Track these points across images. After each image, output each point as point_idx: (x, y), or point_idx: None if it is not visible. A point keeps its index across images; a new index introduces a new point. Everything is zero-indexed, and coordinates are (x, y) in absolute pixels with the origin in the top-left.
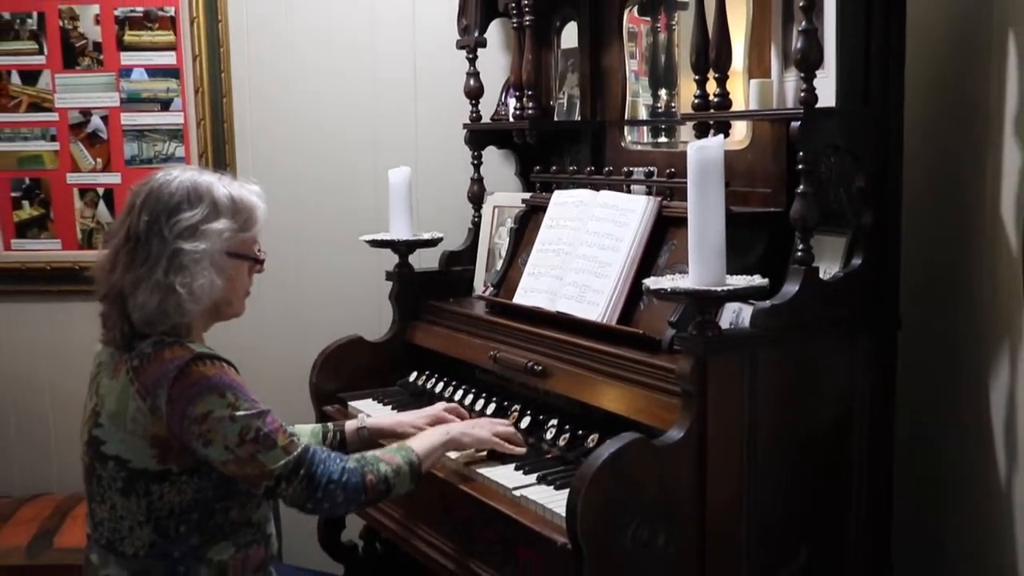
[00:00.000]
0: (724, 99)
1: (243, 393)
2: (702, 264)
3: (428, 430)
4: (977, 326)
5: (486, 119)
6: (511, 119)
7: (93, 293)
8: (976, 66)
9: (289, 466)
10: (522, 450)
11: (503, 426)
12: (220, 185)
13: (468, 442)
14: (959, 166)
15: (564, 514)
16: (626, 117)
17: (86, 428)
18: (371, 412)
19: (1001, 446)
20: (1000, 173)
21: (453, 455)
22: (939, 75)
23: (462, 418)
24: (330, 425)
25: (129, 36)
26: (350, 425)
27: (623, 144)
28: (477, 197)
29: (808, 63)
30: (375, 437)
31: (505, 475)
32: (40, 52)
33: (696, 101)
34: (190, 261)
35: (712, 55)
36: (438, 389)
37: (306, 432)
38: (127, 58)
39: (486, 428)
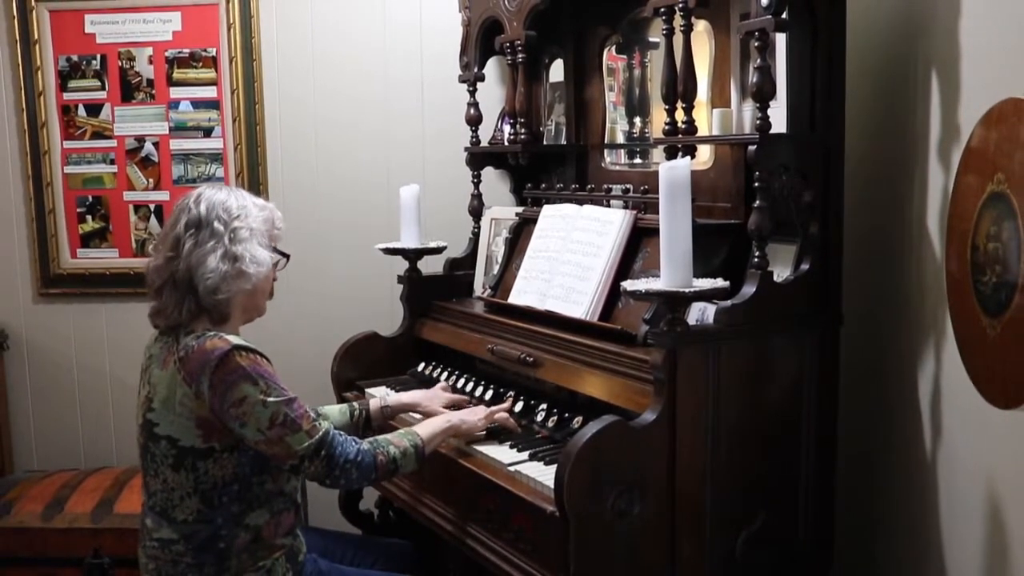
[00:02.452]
0: (690, 126)
1: (274, 382)
2: (672, 269)
3: (432, 418)
4: (908, 322)
5: (484, 143)
6: (506, 143)
7: (147, 294)
8: (905, 98)
9: (311, 447)
10: (516, 428)
11: (499, 412)
12: (250, 196)
13: (465, 429)
14: (892, 184)
15: (552, 486)
16: (606, 141)
17: (140, 412)
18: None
19: (928, 425)
20: (926, 190)
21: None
22: (874, 106)
23: (459, 404)
24: (356, 404)
25: (177, 73)
26: (374, 403)
27: (603, 165)
28: (476, 211)
29: (762, 95)
30: (396, 412)
31: (501, 452)
32: (102, 88)
33: (666, 127)
34: (247, 235)
35: (680, 88)
36: (443, 378)
37: (335, 412)
38: (175, 92)
39: (481, 415)
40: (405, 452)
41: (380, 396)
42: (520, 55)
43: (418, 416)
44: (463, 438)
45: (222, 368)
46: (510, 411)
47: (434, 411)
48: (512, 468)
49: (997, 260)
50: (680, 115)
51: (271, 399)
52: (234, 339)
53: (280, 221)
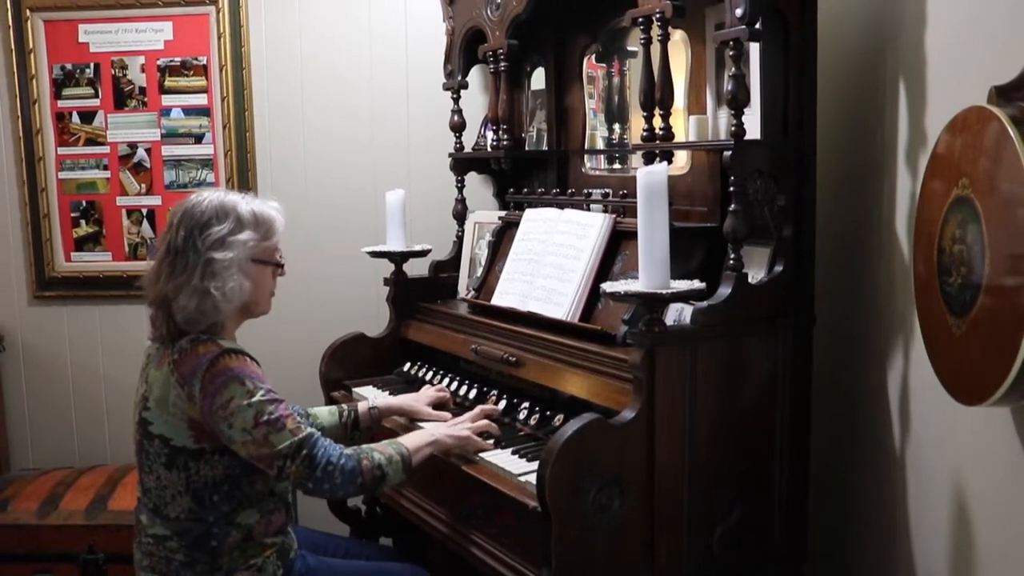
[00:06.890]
0: (668, 132)
1: (260, 382)
2: (650, 271)
3: (416, 431)
4: (878, 322)
5: (468, 149)
6: (489, 149)
7: (139, 297)
8: (874, 105)
9: (294, 446)
10: (495, 436)
11: (482, 423)
12: (244, 203)
13: (451, 443)
14: (862, 188)
15: (535, 482)
16: (586, 147)
17: (137, 411)
18: (372, 397)
19: (896, 418)
20: (895, 194)
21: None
22: (844, 113)
23: (447, 402)
24: (344, 406)
25: (169, 81)
26: (362, 405)
27: (583, 170)
28: (460, 215)
29: (737, 102)
30: (384, 415)
31: (485, 450)
32: (96, 96)
33: (644, 134)
34: (221, 268)
35: (657, 95)
36: (428, 377)
37: (324, 412)
38: (167, 100)
39: (466, 427)
40: (390, 459)
41: (369, 398)
42: (503, 63)
43: (403, 420)
44: (446, 455)
45: (212, 370)
46: (492, 414)
47: (420, 412)
48: (496, 465)
49: (962, 262)
50: (658, 122)
51: (256, 398)
52: (225, 343)
53: (276, 225)
